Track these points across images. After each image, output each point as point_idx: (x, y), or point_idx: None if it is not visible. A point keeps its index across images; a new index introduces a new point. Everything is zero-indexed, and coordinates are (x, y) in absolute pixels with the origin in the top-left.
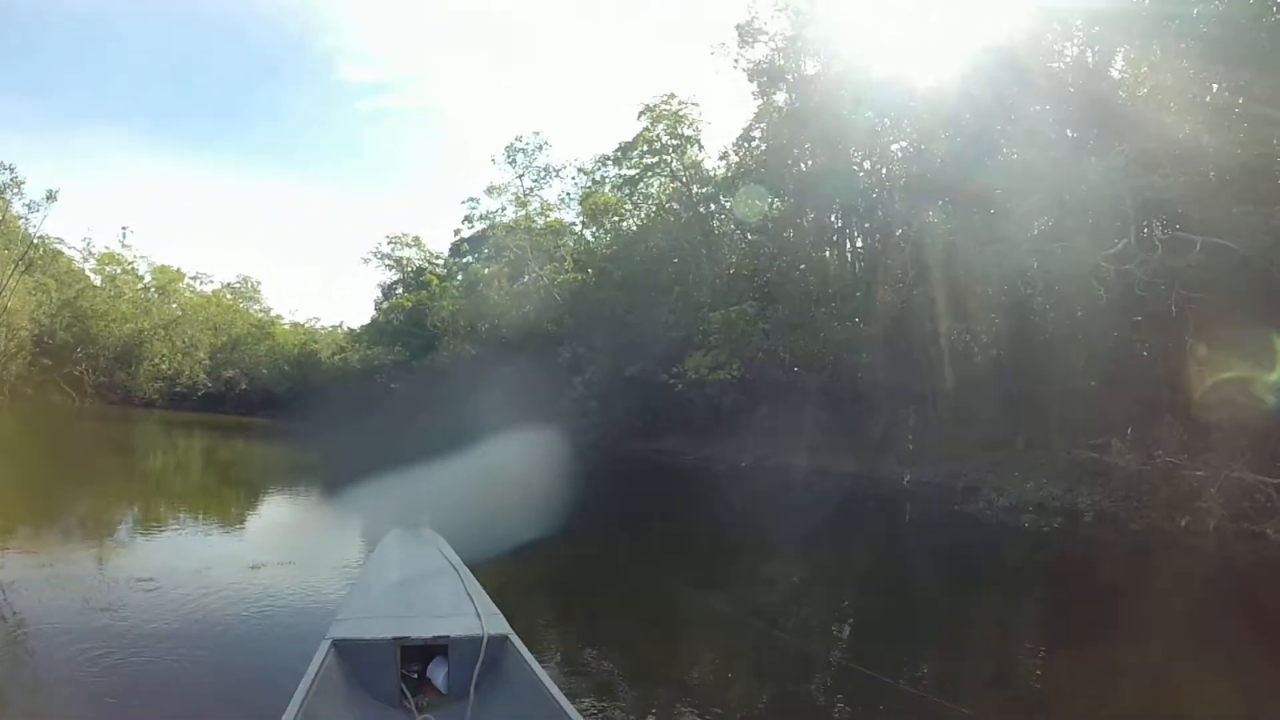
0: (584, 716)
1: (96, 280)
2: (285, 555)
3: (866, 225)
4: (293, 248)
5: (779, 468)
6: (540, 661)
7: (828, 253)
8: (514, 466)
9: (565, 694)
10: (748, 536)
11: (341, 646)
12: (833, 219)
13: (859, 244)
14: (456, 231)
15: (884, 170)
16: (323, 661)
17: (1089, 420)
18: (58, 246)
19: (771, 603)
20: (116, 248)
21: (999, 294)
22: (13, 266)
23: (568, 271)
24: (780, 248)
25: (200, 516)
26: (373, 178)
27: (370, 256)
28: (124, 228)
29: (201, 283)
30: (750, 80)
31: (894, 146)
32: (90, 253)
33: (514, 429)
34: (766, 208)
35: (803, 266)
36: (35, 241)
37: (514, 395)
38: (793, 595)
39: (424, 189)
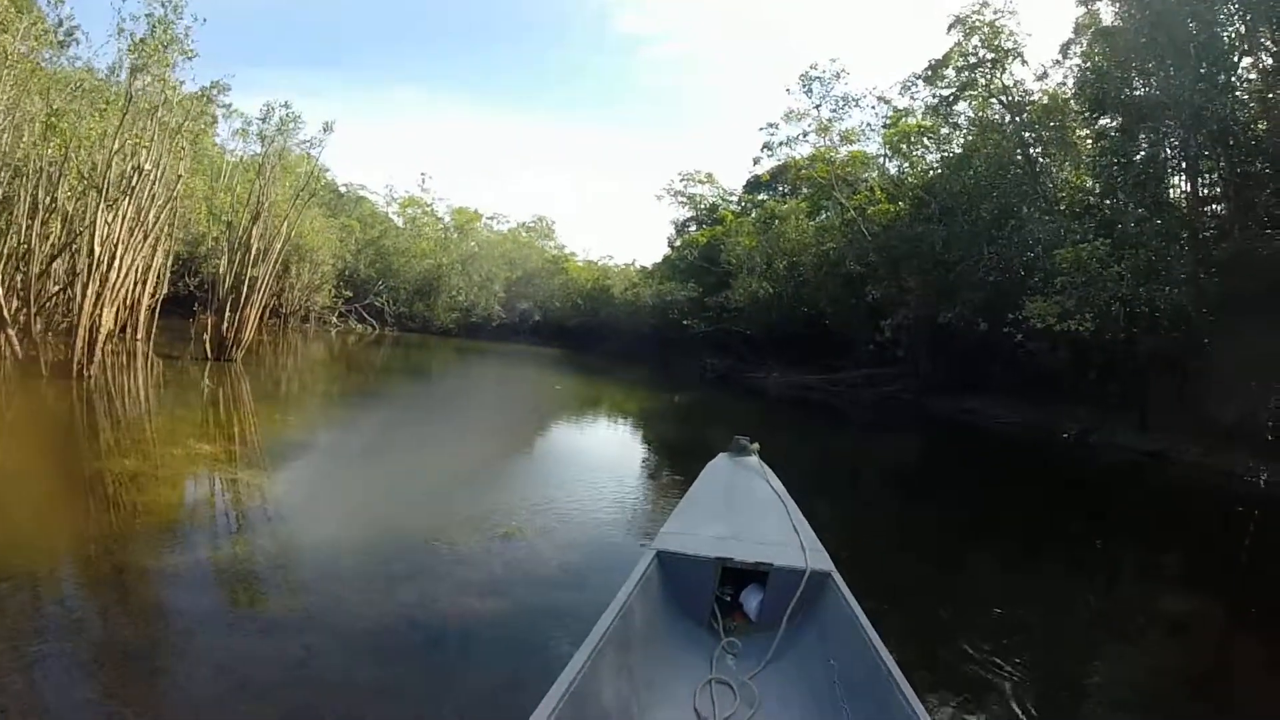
0: (904, 671)
1: (399, 222)
2: (617, 471)
3: (1220, 159)
4: (585, 190)
5: (1105, 445)
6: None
7: (1175, 189)
8: (807, 411)
9: (887, 646)
10: (1087, 531)
11: (665, 559)
12: (1167, 151)
13: (1201, 182)
14: (756, 160)
15: (1237, 90)
16: (645, 571)
17: None
18: (361, 193)
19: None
20: (417, 193)
21: None
22: (295, 196)
23: (880, 202)
24: (1109, 184)
25: (534, 435)
26: (656, 122)
27: (663, 193)
28: (423, 174)
29: (498, 222)
30: None
31: (1244, 62)
32: (393, 198)
33: (809, 371)
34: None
35: (1136, 207)
36: (317, 174)
37: (811, 338)
38: (1165, 623)
39: (708, 131)
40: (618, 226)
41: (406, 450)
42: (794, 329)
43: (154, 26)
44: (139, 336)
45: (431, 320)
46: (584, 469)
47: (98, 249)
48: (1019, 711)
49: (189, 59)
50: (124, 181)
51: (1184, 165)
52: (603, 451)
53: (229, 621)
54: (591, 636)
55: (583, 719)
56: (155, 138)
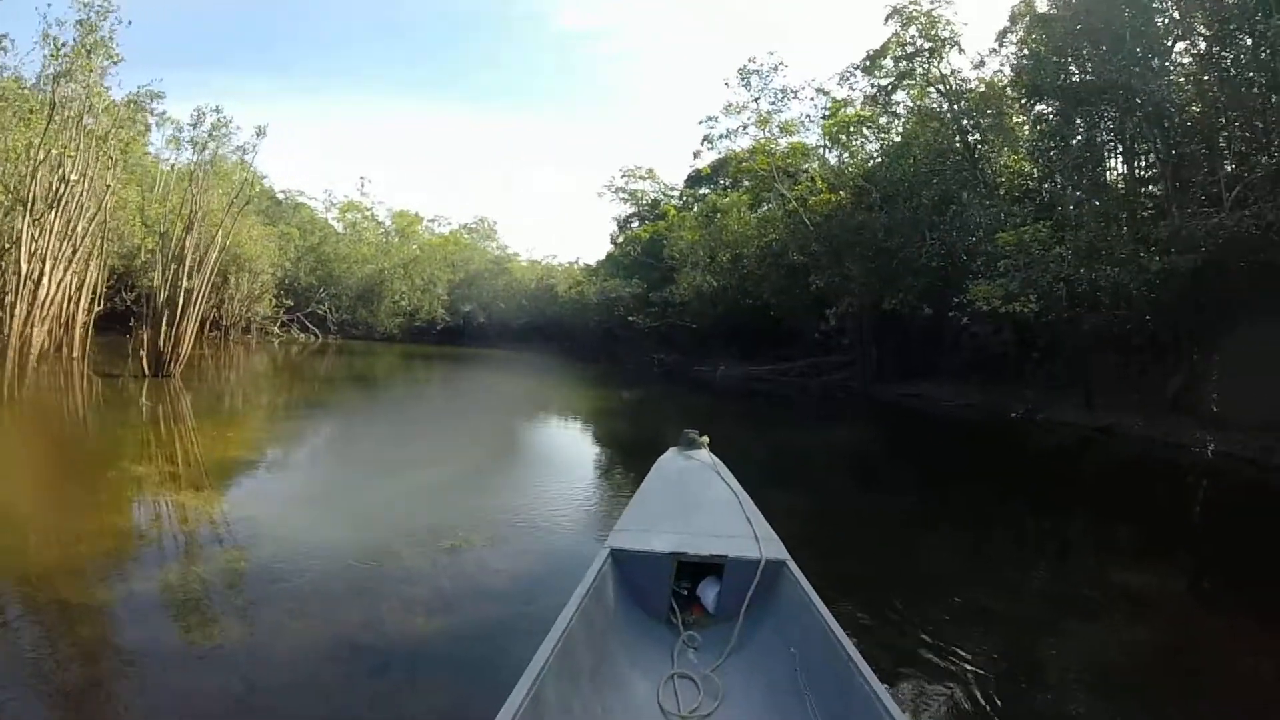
0: (864, 656)
1: (339, 228)
2: (567, 472)
3: (1157, 141)
4: (525, 189)
5: (1053, 423)
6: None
7: (1113, 171)
8: (755, 402)
9: (845, 631)
10: (1040, 510)
11: (619, 556)
12: (1103, 135)
13: (1138, 164)
14: (696, 154)
15: (1171, 74)
16: (600, 569)
17: None
18: (300, 199)
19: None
20: (356, 197)
21: None
22: (229, 204)
23: (821, 192)
24: (1047, 168)
25: (482, 437)
26: (597, 120)
27: (604, 190)
28: (362, 178)
29: (439, 225)
30: None
31: (1178, 47)
32: (332, 203)
33: (756, 363)
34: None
35: (1074, 190)
36: (250, 180)
37: (757, 329)
38: (1120, 599)
39: (647, 128)
40: (560, 225)
41: (347, 463)
42: (740, 321)
43: (83, 32)
44: (75, 355)
45: (375, 326)
46: (532, 472)
47: (24, 265)
48: (981, 692)
49: (115, 63)
50: (51, 194)
51: (1120, 148)
52: (551, 452)
53: (164, 656)
54: (549, 639)
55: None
56: (81, 146)
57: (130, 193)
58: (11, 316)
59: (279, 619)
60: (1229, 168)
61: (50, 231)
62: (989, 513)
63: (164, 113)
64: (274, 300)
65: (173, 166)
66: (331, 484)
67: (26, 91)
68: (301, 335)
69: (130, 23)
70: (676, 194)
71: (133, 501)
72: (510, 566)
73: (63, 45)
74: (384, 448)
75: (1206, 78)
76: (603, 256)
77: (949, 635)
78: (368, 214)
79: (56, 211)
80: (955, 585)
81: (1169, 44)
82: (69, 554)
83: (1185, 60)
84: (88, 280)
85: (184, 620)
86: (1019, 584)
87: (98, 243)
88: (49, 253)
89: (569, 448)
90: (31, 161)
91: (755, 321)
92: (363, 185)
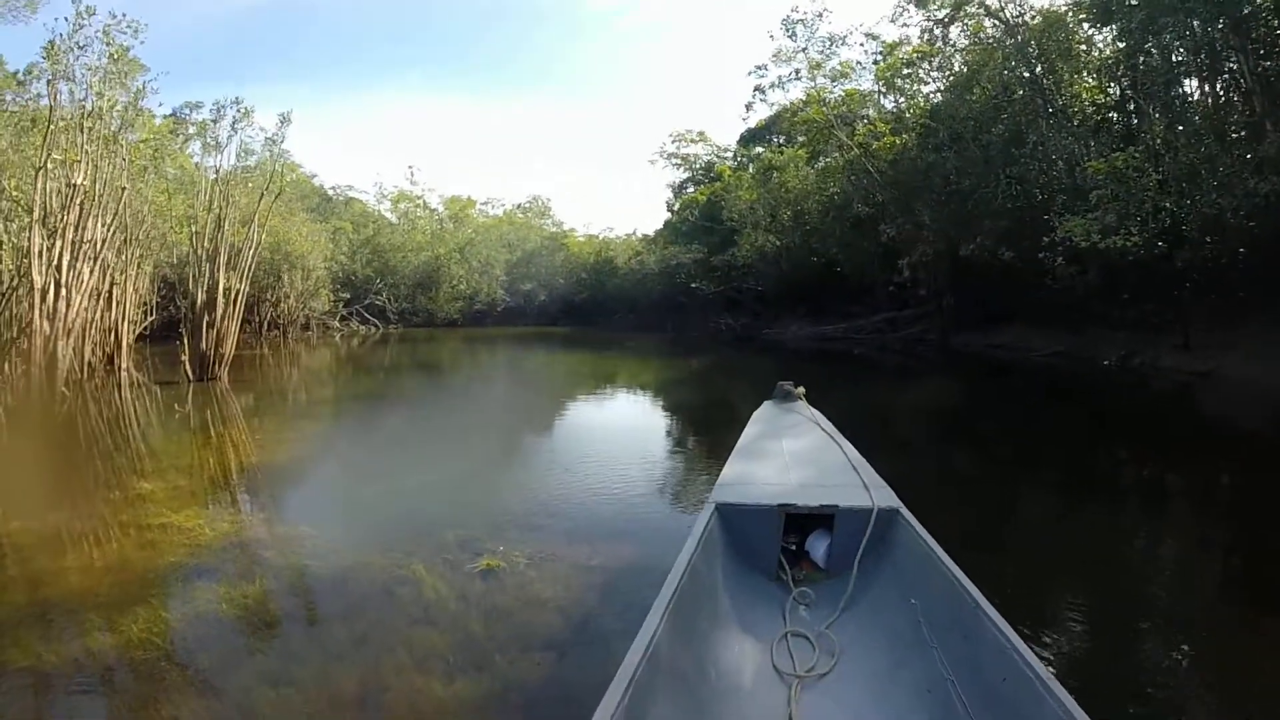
0: (993, 604)
1: (392, 218)
2: (634, 459)
3: (1249, 57)
4: (580, 168)
5: (1149, 369)
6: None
7: (1199, 89)
8: (832, 362)
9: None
10: (1169, 468)
11: (725, 511)
12: (1183, 54)
13: (1221, 84)
14: (749, 106)
15: None
16: (706, 525)
17: None
18: (351, 194)
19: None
20: (406, 187)
21: None
22: (260, 196)
23: (884, 135)
24: (1124, 93)
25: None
26: (640, 94)
27: (657, 157)
28: (410, 167)
29: (493, 207)
30: None
31: None
32: (383, 195)
33: (827, 321)
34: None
35: (1158, 114)
36: (279, 167)
37: (825, 287)
38: None
39: (691, 97)
40: (615, 202)
41: (377, 462)
42: (807, 279)
43: (72, 29)
44: (125, 366)
45: (435, 313)
46: (593, 459)
47: (38, 278)
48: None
49: (114, 61)
50: (64, 200)
51: (1202, 68)
52: (615, 436)
53: None
54: (661, 598)
55: (661, 682)
56: (88, 150)
57: (175, 201)
58: (32, 333)
59: (251, 687)
60: None
61: (66, 240)
62: (1105, 474)
63: (202, 121)
64: (331, 295)
65: (205, 169)
66: (354, 489)
67: (28, 102)
68: (361, 327)
69: (140, 23)
70: (730, 155)
71: (129, 527)
72: (561, 595)
73: (53, 45)
74: (425, 440)
75: None
76: (660, 225)
77: (1088, 602)
78: (419, 202)
79: (65, 218)
80: (1086, 555)
81: None
82: (40, 596)
83: None
84: (129, 290)
85: (129, 690)
86: (1161, 555)
87: (135, 251)
88: (65, 263)
89: (635, 428)
90: (34, 167)
91: (823, 279)
92: (412, 175)
